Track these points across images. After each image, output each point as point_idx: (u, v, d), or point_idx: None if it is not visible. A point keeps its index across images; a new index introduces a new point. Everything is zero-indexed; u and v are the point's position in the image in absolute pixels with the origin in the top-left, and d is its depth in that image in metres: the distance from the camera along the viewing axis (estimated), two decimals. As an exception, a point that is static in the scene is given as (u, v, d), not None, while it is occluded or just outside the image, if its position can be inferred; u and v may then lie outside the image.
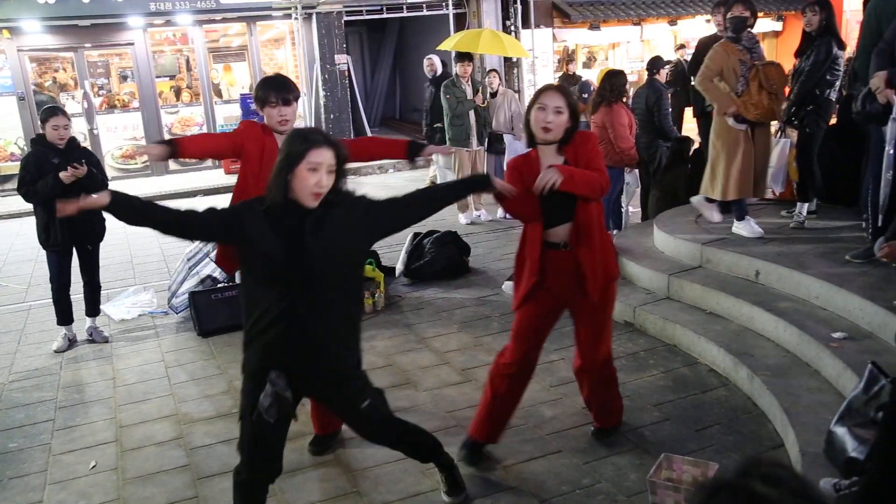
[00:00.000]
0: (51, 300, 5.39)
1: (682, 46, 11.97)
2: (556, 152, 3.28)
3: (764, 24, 15.73)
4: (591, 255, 3.28)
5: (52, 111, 5.03)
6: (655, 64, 7.10)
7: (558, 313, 3.48)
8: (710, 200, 5.58)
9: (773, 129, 5.59)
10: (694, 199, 5.79)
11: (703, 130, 6.14)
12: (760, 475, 0.98)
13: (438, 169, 9.51)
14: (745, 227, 5.37)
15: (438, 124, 9.07)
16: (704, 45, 6.01)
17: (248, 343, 2.69)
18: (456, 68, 8.33)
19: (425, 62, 9.48)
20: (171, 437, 3.95)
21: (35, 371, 5.04)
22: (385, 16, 13.88)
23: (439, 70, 9.29)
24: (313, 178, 2.51)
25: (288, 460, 3.57)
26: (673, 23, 15.26)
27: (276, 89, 3.56)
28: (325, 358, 2.70)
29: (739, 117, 5.14)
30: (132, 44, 12.69)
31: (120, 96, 13.31)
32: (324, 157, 2.53)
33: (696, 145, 6.96)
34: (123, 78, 13.51)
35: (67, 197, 4.98)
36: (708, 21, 14.75)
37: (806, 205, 5.54)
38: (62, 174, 4.84)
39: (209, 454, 3.72)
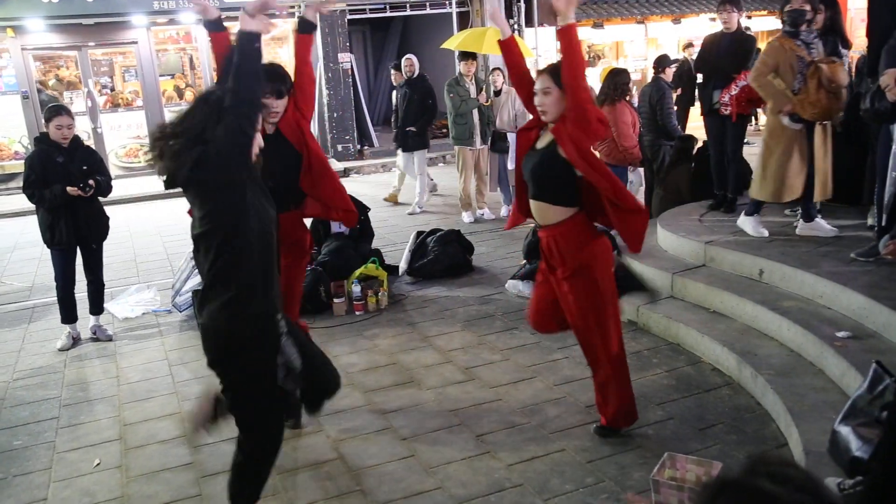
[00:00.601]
0: (55, 298, 5.40)
1: (689, 45, 11.95)
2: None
3: (767, 22, 15.69)
4: (546, 237, 3.43)
5: (55, 110, 5.04)
6: (662, 62, 7.08)
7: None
8: (749, 213, 5.37)
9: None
10: (739, 222, 5.50)
11: (710, 129, 6.11)
12: (767, 473, 0.97)
13: (402, 164, 9.40)
14: (750, 224, 5.34)
15: (410, 128, 8.86)
16: (710, 44, 5.97)
17: (258, 312, 2.63)
18: (459, 67, 8.33)
19: (404, 62, 9.01)
20: (175, 436, 3.95)
21: (39, 369, 5.05)
22: (388, 14, 13.88)
23: (417, 72, 8.93)
24: None
25: (289, 459, 3.59)
26: (677, 21, 15.23)
27: (270, 79, 3.37)
28: None
29: (795, 116, 4.95)
30: (136, 42, 12.70)
31: (123, 95, 13.33)
32: None
33: (699, 144, 6.95)
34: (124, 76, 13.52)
35: (74, 205, 5.05)
36: (712, 19, 14.74)
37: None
38: (69, 189, 4.91)
39: (213, 452, 3.72)
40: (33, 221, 5.43)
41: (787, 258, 4.79)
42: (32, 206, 5.25)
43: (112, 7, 11.86)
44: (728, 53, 5.71)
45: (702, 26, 15.18)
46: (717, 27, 6.09)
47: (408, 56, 9.10)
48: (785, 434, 3.52)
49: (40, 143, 5.07)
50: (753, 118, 11.42)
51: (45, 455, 3.86)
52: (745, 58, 5.72)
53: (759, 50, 5.90)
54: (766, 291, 4.67)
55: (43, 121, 5.23)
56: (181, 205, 7.06)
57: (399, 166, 9.88)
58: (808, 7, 4.99)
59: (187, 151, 2.50)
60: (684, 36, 15.95)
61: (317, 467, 3.54)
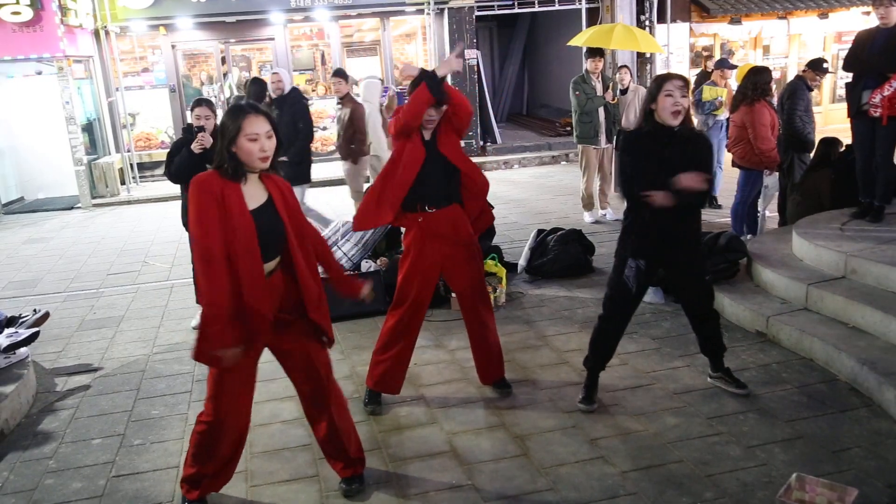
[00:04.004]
0: (191, 279, 5.74)
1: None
2: None
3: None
4: None
5: (197, 102, 5.37)
6: (814, 65, 6.66)
7: None
8: None
9: None
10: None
11: (857, 132, 5.68)
12: None
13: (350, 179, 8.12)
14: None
15: (283, 158, 7.12)
16: (863, 40, 5.52)
17: None
18: (586, 64, 8.19)
19: (271, 77, 7.41)
20: (296, 416, 4.10)
21: (176, 345, 5.38)
22: (516, 10, 13.84)
23: (287, 88, 7.27)
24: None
25: (403, 448, 3.66)
26: (824, 15, 14.30)
27: (436, 92, 3.67)
28: None
29: None
30: (273, 39, 13.30)
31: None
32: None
33: (842, 147, 6.48)
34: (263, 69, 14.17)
35: (201, 170, 5.34)
36: (866, 13, 13.75)
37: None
38: (193, 145, 5.15)
39: (330, 436, 3.84)
40: (175, 206, 5.79)
41: (942, 273, 4.41)
42: (177, 192, 5.60)
43: (253, 5, 12.47)
44: (884, 50, 5.28)
45: (853, 21, 14.19)
46: (870, 23, 5.64)
47: (275, 71, 7.61)
48: (932, 464, 3.24)
49: (186, 131, 5.42)
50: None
51: (179, 425, 4.11)
52: None
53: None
54: (916, 308, 4.31)
55: (190, 112, 5.57)
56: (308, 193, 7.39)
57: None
58: None
59: None
60: (832, 32, 14.98)
61: (429, 459, 3.58)
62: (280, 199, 2.99)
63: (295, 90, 7.38)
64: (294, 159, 6.89)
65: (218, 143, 2.90)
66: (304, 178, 7.09)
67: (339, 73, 7.95)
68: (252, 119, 2.82)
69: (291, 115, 7.02)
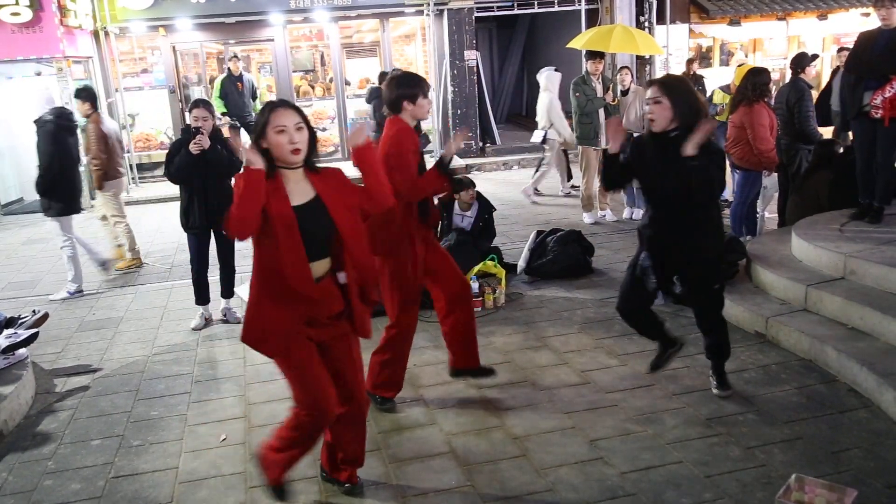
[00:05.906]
0: (191, 280, 5.74)
1: (842, 49, 11.18)
2: None
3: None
4: None
5: (195, 103, 5.38)
6: (800, 61, 6.67)
7: None
8: None
9: None
10: None
11: (858, 133, 5.68)
12: None
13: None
14: None
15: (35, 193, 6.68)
16: (865, 40, 5.51)
17: None
18: (586, 65, 8.19)
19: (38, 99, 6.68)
20: (295, 418, 4.10)
21: (175, 346, 5.38)
22: (516, 12, 13.83)
23: (48, 107, 6.58)
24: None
25: (402, 449, 3.66)
26: (823, 17, 14.31)
27: (415, 84, 3.83)
28: None
29: None
30: (272, 40, 13.29)
31: (260, 89, 13.97)
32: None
33: (840, 149, 6.49)
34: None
35: (200, 170, 5.35)
36: (865, 15, 13.75)
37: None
38: (191, 146, 5.15)
39: (330, 437, 3.83)
40: (175, 207, 5.79)
41: (941, 274, 4.41)
42: (176, 193, 5.60)
43: (252, 6, 12.47)
44: (885, 52, 5.27)
45: (852, 22, 14.20)
46: (869, 24, 5.64)
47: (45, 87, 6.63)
48: (931, 465, 3.24)
49: (185, 132, 5.42)
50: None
51: (178, 427, 4.11)
52: None
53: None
54: (915, 309, 4.31)
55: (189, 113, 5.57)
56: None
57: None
58: None
59: None
60: (830, 33, 14.99)
61: (428, 460, 3.58)
62: (331, 197, 2.90)
63: (50, 112, 6.50)
64: (37, 189, 6.47)
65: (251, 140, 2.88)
66: (57, 211, 6.54)
67: (82, 95, 7.30)
68: (280, 111, 2.80)
69: (39, 138, 6.47)
